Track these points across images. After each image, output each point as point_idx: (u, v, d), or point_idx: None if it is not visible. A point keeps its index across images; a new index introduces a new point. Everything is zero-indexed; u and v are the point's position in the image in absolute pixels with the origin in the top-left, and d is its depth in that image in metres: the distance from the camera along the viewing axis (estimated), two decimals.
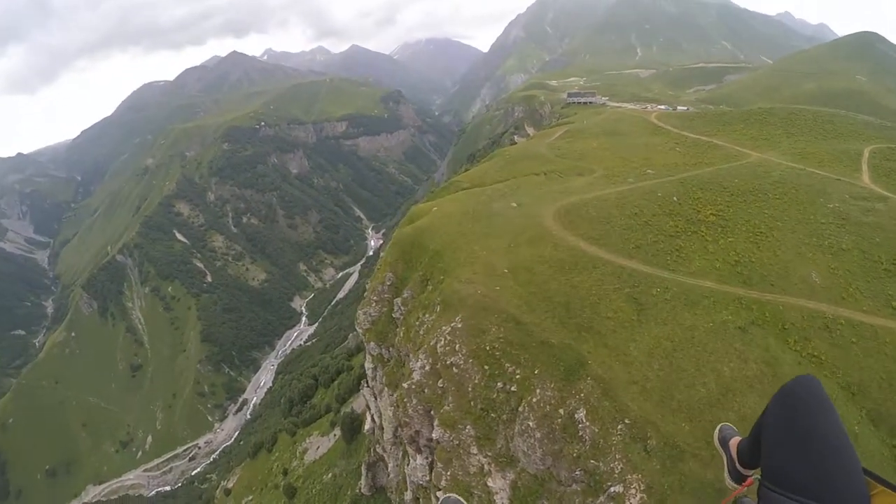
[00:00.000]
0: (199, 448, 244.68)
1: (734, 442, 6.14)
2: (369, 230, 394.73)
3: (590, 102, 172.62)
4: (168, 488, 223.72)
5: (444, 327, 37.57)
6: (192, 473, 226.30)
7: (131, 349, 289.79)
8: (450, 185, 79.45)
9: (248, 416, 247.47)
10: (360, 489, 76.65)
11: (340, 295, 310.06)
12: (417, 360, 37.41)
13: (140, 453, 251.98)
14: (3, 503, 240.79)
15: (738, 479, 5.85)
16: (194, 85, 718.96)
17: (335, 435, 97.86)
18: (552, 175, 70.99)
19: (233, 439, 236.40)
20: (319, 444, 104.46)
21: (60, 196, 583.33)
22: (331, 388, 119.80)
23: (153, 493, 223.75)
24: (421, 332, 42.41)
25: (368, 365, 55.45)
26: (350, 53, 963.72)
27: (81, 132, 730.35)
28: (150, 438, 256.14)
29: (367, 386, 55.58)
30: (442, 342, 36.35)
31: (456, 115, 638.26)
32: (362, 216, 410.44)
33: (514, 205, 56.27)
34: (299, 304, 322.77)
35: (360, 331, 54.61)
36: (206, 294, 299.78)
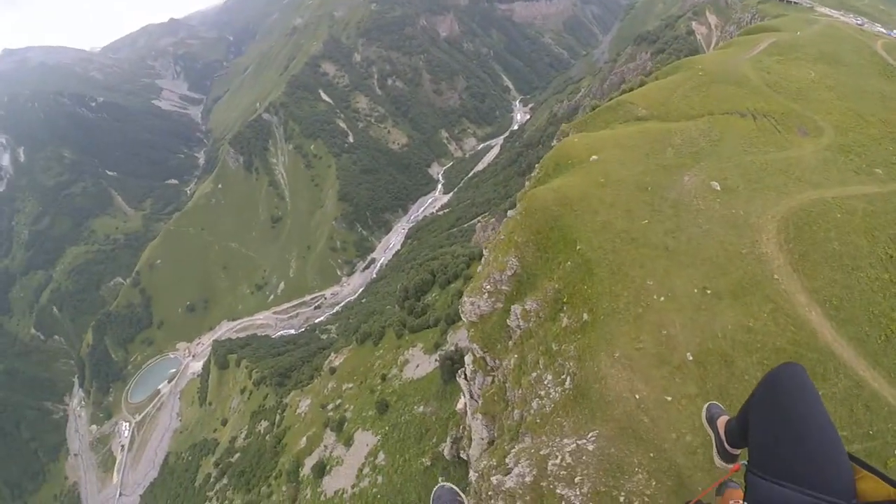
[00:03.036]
0: (325, 298, 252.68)
1: (722, 421, 6.25)
2: (517, 102, 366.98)
3: (795, 2, 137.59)
4: (293, 332, 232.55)
5: (566, 440, 21.43)
6: (316, 321, 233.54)
7: (272, 202, 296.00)
8: (618, 107, 53.95)
9: (374, 276, 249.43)
10: (443, 450, 66.29)
11: (479, 167, 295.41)
12: (518, 462, 22.26)
13: (272, 297, 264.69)
14: (146, 331, 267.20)
15: (727, 457, 6.04)
16: None
17: (436, 361, 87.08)
18: (765, 123, 45.72)
19: (356, 295, 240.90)
20: (420, 361, 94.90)
21: (212, 56, 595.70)
22: (445, 293, 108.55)
23: (278, 334, 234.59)
24: (533, 405, 26.06)
25: (468, 362, 40.44)
26: None
27: None
28: (282, 284, 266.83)
29: (465, 379, 40.88)
30: (557, 461, 20.56)
31: None
32: (511, 87, 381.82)
33: (716, 186, 34.17)
34: (437, 171, 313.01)
35: (464, 320, 38.95)
36: (347, 154, 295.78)
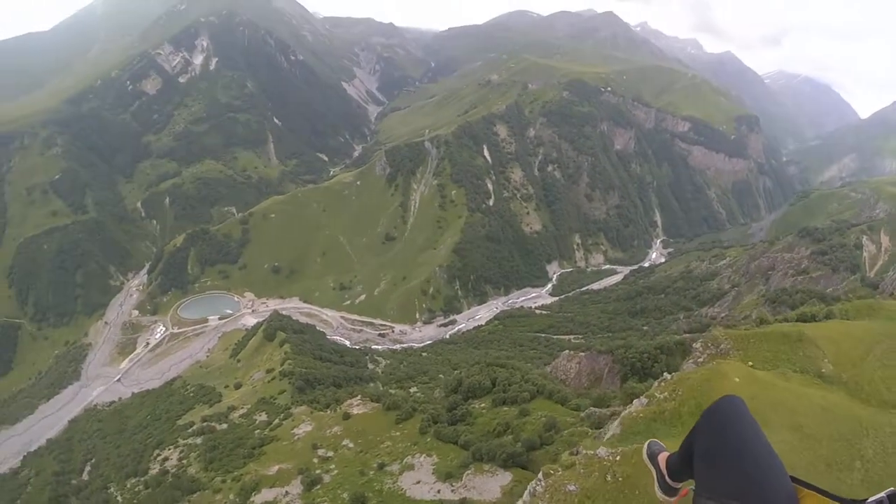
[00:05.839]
0: (392, 332, 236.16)
1: (662, 457, 6.30)
2: (658, 241, 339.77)
3: None
4: (346, 343, 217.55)
5: None
6: (371, 346, 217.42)
7: (394, 221, 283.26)
8: (797, 342, 34.71)
9: (447, 337, 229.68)
10: None
11: (594, 286, 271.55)
12: None
13: (348, 302, 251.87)
14: (228, 265, 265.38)
15: (669, 490, 6.10)
16: (562, 27, 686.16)
17: (437, 494, 67.86)
18: None
19: (422, 344, 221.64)
20: (424, 478, 73.17)
21: (410, 72, 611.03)
22: (493, 413, 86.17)
23: (334, 337, 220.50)
24: None
25: None
26: (722, 59, 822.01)
27: (448, 28, 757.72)
28: (363, 297, 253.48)
29: None
30: None
31: (804, 172, 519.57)
32: (659, 223, 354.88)
33: None
34: (554, 270, 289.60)
35: None
36: (481, 214, 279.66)
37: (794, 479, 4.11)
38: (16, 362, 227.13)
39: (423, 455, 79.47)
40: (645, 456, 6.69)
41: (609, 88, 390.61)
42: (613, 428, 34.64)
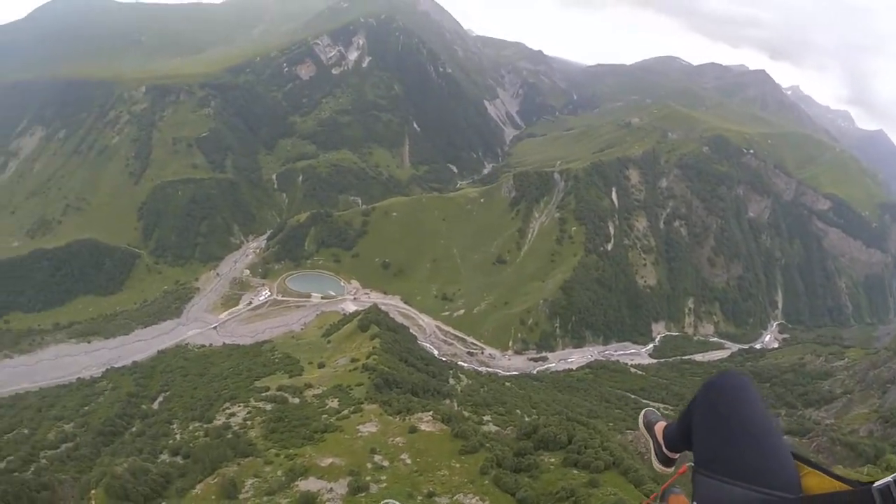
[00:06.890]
0: (481, 353, 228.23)
1: (660, 426, 6.21)
2: (774, 324, 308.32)
3: None
4: (435, 352, 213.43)
5: None
6: (457, 362, 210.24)
7: (508, 246, 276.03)
8: None
9: (534, 372, 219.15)
10: None
11: (697, 357, 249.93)
12: None
13: (447, 313, 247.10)
14: (342, 250, 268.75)
15: (666, 461, 6.02)
16: (710, 80, 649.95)
17: None
18: None
19: (508, 373, 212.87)
20: None
21: (551, 101, 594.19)
22: (560, 472, 78.58)
23: (423, 343, 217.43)
24: None
25: None
26: (873, 136, 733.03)
27: (597, 64, 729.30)
28: (462, 311, 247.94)
29: None
30: None
31: None
32: (780, 305, 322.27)
33: None
34: (659, 331, 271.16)
35: None
36: (596, 256, 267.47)
37: (795, 456, 3.93)
38: (126, 286, 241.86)
39: (476, 497, 74.13)
40: (641, 425, 6.53)
41: (752, 151, 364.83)
42: None
